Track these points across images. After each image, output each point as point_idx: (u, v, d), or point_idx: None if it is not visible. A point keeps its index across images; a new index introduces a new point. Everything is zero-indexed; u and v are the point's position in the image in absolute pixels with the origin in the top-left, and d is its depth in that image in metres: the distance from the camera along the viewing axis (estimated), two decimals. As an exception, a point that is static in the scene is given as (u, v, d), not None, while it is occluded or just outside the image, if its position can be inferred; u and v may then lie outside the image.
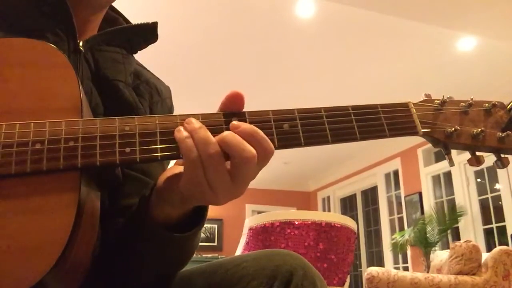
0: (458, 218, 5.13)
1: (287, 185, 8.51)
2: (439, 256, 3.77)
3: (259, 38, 3.77)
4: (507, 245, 4.20)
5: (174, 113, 0.57)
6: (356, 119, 0.56)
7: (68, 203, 0.46)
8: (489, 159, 0.60)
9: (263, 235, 2.47)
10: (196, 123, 0.49)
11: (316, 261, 2.40)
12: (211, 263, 0.65)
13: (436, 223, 5.20)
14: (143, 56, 0.82)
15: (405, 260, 6.06)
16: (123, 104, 0.68)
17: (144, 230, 0.55)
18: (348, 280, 2.65)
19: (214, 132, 0.49)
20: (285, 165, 7.15)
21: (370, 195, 7.23)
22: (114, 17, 0.79)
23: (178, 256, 0.61)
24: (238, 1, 3.31)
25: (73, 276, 0.50)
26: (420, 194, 5.82)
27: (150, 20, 0.76)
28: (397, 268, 5.99)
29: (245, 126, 0.49)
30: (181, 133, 0.48)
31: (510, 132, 0.59)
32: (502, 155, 0.60)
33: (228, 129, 0.50)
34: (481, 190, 5.14)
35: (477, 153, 0.60)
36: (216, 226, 8.03)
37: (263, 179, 7.72)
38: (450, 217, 5.18)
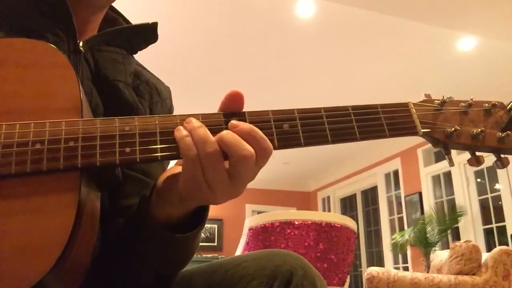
0: (458, 218, 5.13)
1: (287, 185, 8.51)
2: (439, 256, 3.77)
3: (259, 38, 3.77)
4: (507, 245, 4.20)
5: (174, 113, 0.57)
6: (356, 119, 0.56)
7: (68, 203, 0.46)
8: (489, 159, 0.60)
9: (263, 235, 2.47)
10: (195, 123, 0.49)
11: (316, 261, 2.40)
12: (211, 263, 0.65)
13: (436, 223, 5.20)
14: (143, 56, 0.82)
15: (405, 260, 6.06)
16: (123, 104, 0.68)
17: (144, 230, 0.55)
18: (348, 280, 2.65)
19: (214, 132, 0.49)
20: (285, 165, 7.15)
21: (370, 195, 7.23)
22: (114, 17, 0.79)
23: (178, 257, 0.61)
24: (238, 1, 3.31)
25: (73, 276, 0.50)
26: (420, 194, 5.82)
27: (150, 20, 0.76)
28: (397, 268, 5.99)
29: (243, 125, 0.49)
30: (181, 132, 0.49)
31: (510, 132, 0.59)
32: (502, 155, 0.60)
33: (227, 129, 0.50)
34: (481, 190, 5.14)
35: (477, 153, 0.60)
36: (216, 226, 8.03)
37: (263, 179, 7.73)
38: (450, 217, 5.18)
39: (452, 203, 5.38)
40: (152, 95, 0.77)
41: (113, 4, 0.76)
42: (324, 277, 0.93)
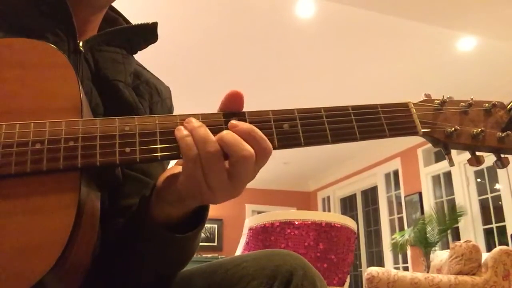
0: (458, 218, 5.14)
1: (287, 185, 8.51)
2: (439, 256, 3.77)
3: (259, 38, 3.77)
4: (507, 245, 4.20)
5: (174, 113, 0.57)
6: (356, 119, 0.56)
7: (68, 203, 0.46)
8: (489, 159, 0.60)
9: (263, 235, 2.47)
10: (195, 122, 0.49)
11: (316, 261, 2.40)
12: (211, 263, 0.65)
13: (436, 223, 5.20)
14: (143, 56, 0.82)
15: (405, 260, 6.06)
16: (123, 104, 0.68)
17: (144, 230, 0.55)
18: (348, 280, 2.65)
19: (214, 132, 0.49)
20: (285, 165, 7.15)
21: (370, 195, 7.23)
22: (114, 17, 0.79)
23: (178, 257, 0.61)
24: (238, 1, 3.31)
25: (73, 276, 0.50)
26: (420, 194, 5.82)
27: (150, 20, 0.76)
28: (397, 268, 5.99)
29: (243, 125, 0.49)
30: (181, 131, 0.49)
31: (510, 132, 0.59)
32: (502, 155, 0.60)
33: (227, 129, 0.50)
34: (481, 190, 5.14)
35: (477, 153, 0.60)
36: (216, 226, 8.03)
37: (263, 179, 7.73)
38: (450, 217, 5.18)
39: (452, 203, 5.38)
40: (152, 95, 0.77)
41: (113, 4, 0.76)
42: (324, 277, 0.93)
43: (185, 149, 0.48)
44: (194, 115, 0.51)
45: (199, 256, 6.87)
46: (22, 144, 0.48)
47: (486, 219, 5.04)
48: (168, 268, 0.62)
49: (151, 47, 0.81)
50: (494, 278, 3.02)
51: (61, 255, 0.44)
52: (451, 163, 0.60)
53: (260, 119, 0.53)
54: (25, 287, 0.43)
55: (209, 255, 7.05)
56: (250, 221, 2.59)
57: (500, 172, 4.77)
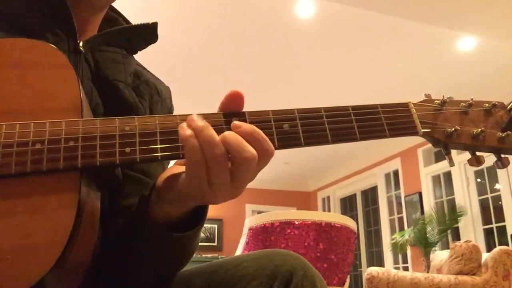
0: (458, 218, 5.14)
1: (287, 185, 8.51)
2: (439, 256, 3.77)
3: (259, 38, 3.77)
4: (507, 245, 4.21)
5: (174, 113, 0.57)
6: (356, 119, 0.56)
7: (68, 203, 0.46)
8: (489, 159, 0.60)
9: (263, 235, 2.47)
10: (200, 121, 0.48)
11: (316, 261, 2.40)
12: (211, 263, 0.65)
13: (436, 223, 5.20)
14: (143, 56, 0.82)
15: (405, 260, 6.06)
16: (123, 104, 0.68)
17: (143, 230, 0.55)
18: (348, 280, 2.65)
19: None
20: (285, 165, 7.15)
21: (370, 195, 7.23)
22: (114, 17, 0.79)
23: (178, 256, 0.61)
24: (238, 1, 3.31)
25: (73, 276, 0.50)
26: (420, 194, 5.82)
27: (150, 20, 0.76)
28: (397, 268, 5.99)
29: (246, 126, 0.49)
30: (185, 130, 0.47)
31: (510, 132, 0.59)
32: (502, 155, 0.60)
33: (228, 129, 0.50)
34: (481, 190, 5.15)
35: (477, 153, 0.60)
36: (216, 226, 8.03)
37: (263, 179, 7.73)
38: (450, 217, 5.18)
39: (452, 203, 5.38)
40: (152, 95, 0.77)
41: (113, 4, 0.76)
42: (324, 277, 0.93)
43: (189, 151, 0.47)
44: (195, 115, 0.51)
45: (199, 256, 6.87)
46: (22, 144, 0.48)
47: (486, 219, 5.04)
48: (168, 268, 0.62)
49: (151, 47, 0.81)
50: (494, 278, 3.02)
51: (61, 255, 0.44)
52: (451, 163, 0.60)
53: (260, 119, 0.53)
54: (25, 287, 0.43)
55: (209, 255, 7.05)
56: (250, 221, 2.59)
57: (500, 172, 4.77)
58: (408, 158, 6.09)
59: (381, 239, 6.61)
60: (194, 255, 0.64)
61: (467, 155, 0.61)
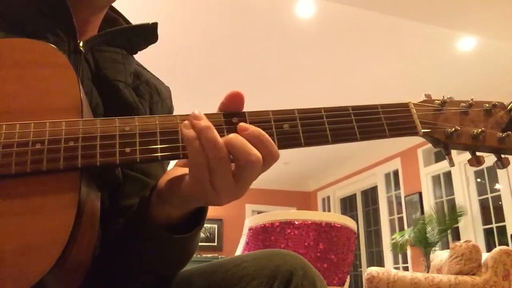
0: (458, 218, 5.14)
1: (287, 185, 8.51)
2: (439, 256, 3.77)
3: (259, 38, 3.77)
4: (507, 245, 4.21)
5: (174, 113, 0.57)
6: (356, 119, 0.56)
7: (68, 203, 0.46)
8: (489, 159, 0.60)
9: (263, 235, 2.47)
10: (203, 121, 0.47)
11: (316, 261, 2.40)
12: (211, 263, 0.65)
13: (436, 223, 5.20)
14: (143, 56, 0.82)
15: (405, 260, 6.06)
16: (123, 105, 0.68)
17: (144, 231, 0.55)
18: (348, 280, 2.65)
19: (216, 133, 0.49)
20: (285, 165, 7.15)
21: (370, 195, 7.23)
22: (114, 17, 0.79)
23: (178, 257, 0.61)
24: (238, 1, 3.31)
25: (73, 276, 0.50)
26: (420, 194, 5.82)
27: (150, 20, 0.76)
28: (397, 268, 5.99)
29: (254, 129, 0.49)
30: (188, 131, 0.47)
31: (510, 132, 0.59)
32: (502, 156, 0.60)
33: (229, 129, 0.50)
34: (481, 190, 5.15)
35: (477, 153, 0.60)
36: (216, 226, 8.03)
37: (263, 179, 7.69)
38: (450, 217, 5.18)
39: (452, 203, 5.38)
40: (152, 95, 0.77)
41: (113, 4, 0.76)
42: (324, 277, 0.93)
43: (192, 153, 0.47)
44: (197, 111, 0.51)
45: (199, 256, 6.87)
46: (22, 144, 0.48)
47: (486, 219, 5.04)
48: (168, 268, 0.62)
49: (151, 47, 0.81)
50: (494, 278, 3.02)
51: (61, 255, 0.44)
52: (451, 163, 0.60)
53: (260, 119, 0.53)
54: (25, 287, 0.43)
55: (209, 255, 7.05)
56: (250, 221, 2.59)
57: (500, 172, 4.77)
58: (408, 158, 6.09)
59: (381, 239, 6.61)
60: (194, 255, 0.64)
61: (467, 155, 0.61)
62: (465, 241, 3.25)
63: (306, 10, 3.44)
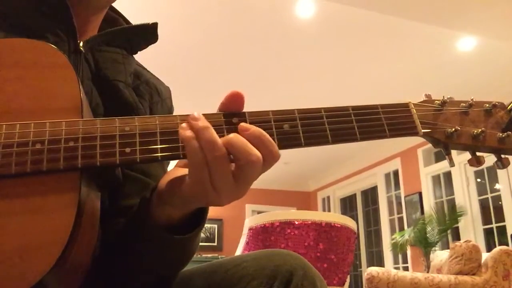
0: (458, 218, 5.14)
1: (287, 185, 8.51)
2: (439, 256, 3.77)
3: (259, 38, 3.77)
4: (507, 245, 4.21)
5: (174, 113, 0.57)
6: (356, 119, 0.56)
7: (68, 203, 0.46)
8: (489, 159, 0.60)
9: (263, 235, 2.47)
10: (201, 122, 0.48)
11: (316, 261, 2.40)
12: (211, 263, 0.65)
13: (436, 223, 5.20)
14: (143, 56, 0.82)
15: (405, 260, 6.06)
16: (123, 105, 0.68)
17: (144, 232, 0.55)
18: (348, 280, 2.65)
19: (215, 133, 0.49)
20: (285, 165, 7.15)
21: (370, 195, 7.23)
22: (114, 17, 0.79)
23: (178, 257, 0.61)
24: (238, 1, 3.31)
25: (73, 276, 0.50)
26: (420, 194, 5.82)
27: (150, 20, 0.76)
28: (397, 268, 5.99)
29: (255, 129, 0.49)
30: (185, 131, 0.47)
31: (510, 132, 0.59)
32: (503, 156, 0.60)
33: (228, 129, 0.50)
34: (481, 190, 5.15)
35: (478, 154, 0.60)
36: (216, 226, 8.03)
37: (263, 179, 7.69)
38: (450, 217, 5.18)
39: (452, 203, 5.38)
40: (152, 95, 0.77)
41: (113, 4, 0.76)
42: (324, 277, 0.93)
43: (191, 153, 0.47)
44: (196, 113, 0.51)
45: (199, 256, 6.87)
46: (22, 144, 0.48)
47: (486, 219, 5.04)
48: (168, 269, 0.62)
49: (151, 47, 0.81)
50: (494, 278, 3.02)
51: (61, 255, 0.44)
52: (451, 163, 0.60)
53: (260, 119, 0.53)
54: (25, 287, 0.43)
55: (209, 255, 7.05)
56: (250, 221, 2.59)
57: (500, 172, 4.77)
58: (408, 158, 6.09)
59: (381, 239, 6.61)
60: (194, 255, 0.64)
61: (467, 155, 0.61)
62: (465, 241, 3.25)
63: (306, 10, 3.44)
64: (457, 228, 5.26)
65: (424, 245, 5.11)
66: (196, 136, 0.47)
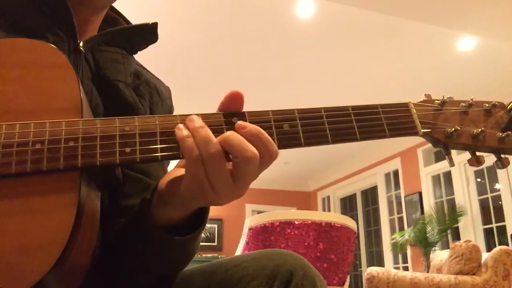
0: (458, 218, 5.14)
1: (287, 185, 8.51)
2: (439, 256, 3.77)
3: (259, 38, 3.77)
4: (507, 245, 4.21)
5: (174, 113, 0.57)
6: (356, 119, 0.56)
7: (68, 203, 0.46)
8: (489, 159, 0.60)
9: (263, 235, 2.47)
10: (197, 122, 0.49)
11: (316, 261, 2.40)
12: (211, 263, 0.65)
13: (436, 223, 5.20)
14: (143, 56, 0.82)
15: (405, 260, 6.06)
16: (123, 104, 0.68)
17: (145, 233, 0.55)
18: (348, 280, 2.65)
19: (215, 132, 0.49)
20: (285, 165, 7.15)
21: (370, 195, 7.23)
22: (114, 17, 0.79)
23: (179, 258, 0.61)
24: (238, 1, 3.31)
25: (73, 276, 0.50)
26: (420, 194, 5.82)
27: (150, 20, 0.76)
28: (397, 268, 5.99)
29: (252, 127, 0.49)
30: (181, 131, 0.48)
31: (510, 132, 0.59)
32: (502, 155, 0.60)
33: (228, 129, 0.50)
34: (481, 190, 5.15)
35: (477, 153, 0.60)
36: (216, 226, 8.03)
37: (263, 179, 7.71)
38: (450, 217, 5.18)
39: (452, 203, 5.38)
40: (152, 95, 0.77)
41: (113, 4, 0.76)
42: (324, 277, 0.93)
43: (186, 151, 0.47)
44: (194, 115, 0.51)
45: (199, 256, 6.86)
46: (22, 144, 0.48)
47: (486, 219, 5.04)
48: (169, 269, 0.62)
49: (151, 47, 0.81)
50: (494, 278, 3.02)
51: (61, 255, 0.44)
52: (451, 163, 0.60)
53: (260, 119, 0.53)
54: (25, 287, 0.43)
55: (209, 255, 7.05)
56: (250, 221, 2.59)
57: (500, 172, 4.77)
58: (408, 158, 6.09)
59: (381, 239, 6.61)
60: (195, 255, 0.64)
61: (467, 155, 0.61)
62: (465, 241, 3.25)
63: (306, 10, 3.44)
64: (457, 228, 5.26)
65: (424, 245, 5.11)
66: (192, 134, 0.48)
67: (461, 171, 5.23)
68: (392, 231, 6.33)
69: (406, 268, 5.89)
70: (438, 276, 3.11)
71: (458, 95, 0.64)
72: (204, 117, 0.51)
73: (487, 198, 5.06)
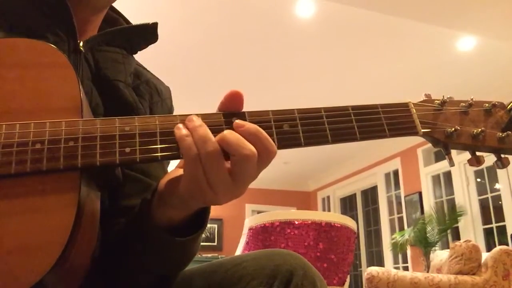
0: (458, 218, 5.14)
1: (287, 185, 8.51)
2: (439, 256, 3.77)
3: (259, 38, 3.77)
4: (507, 245, 4.20)
5: (174, 113, 0.57)
6: (356, 119, 0.56)
7: (68, 203, 0.46)
8: (489, 159, 0.60)
9: (263, 235, 2.47)
10: (196, 121, 0.49)
11: (316, 261, 2.40)
12: (211, 263, 0.65)
13: (436, 223, 5.20)
14: (143, 56, 0.82)
15: (405, 260, 6.06)
16: (123, 104, 0.68)
17: (145, 233, 0.55)
18: (348, 280, 2.65)
19: (214, 132, 0.49)
20: (285, 165, 7.15)
21: (370, 195, 7.23)
22: (114, 17, 0.79)
23: (179, 258, 0.61)
24: (238, 1, 3.31)
25: (73, 276, 0.50)
26: (420, 194, 5.82)
27: (150, 20, 0.76)
28: (397, 268, 5.99)
29: (250, 125, 0.49)
30: (181, 130, 0.49)
31: (510, 132, 0.59)
32: (502, 155, 0.60)
33: (228, 129, 0.50)
34: (481, 190, 5.15)
35: (477, 153, 0.60)
36: (216, 226, 8.03)
37: (263, 179, 7.72)
38: (450, 217, 5.18)
39: (452, 203, 5.38)
40: (152, 95, 0.77)
41: (113, 4, 0.76)
42: (324, 277, 0.93)
43: (185, 149, 0.48)
44: (194, 115, 0.51)
45: (199, 256, 6.86)
46: (22, 144, 0.48)
47: (486, 219, 5.05)
48: (169, 269, 0.62)
49: (151, 47, 0.81)
50: (494, 278, 3.02)
51: (61, 255, 0.44)
52: (451, 163, 0.60)
53: (260, 119, 0.53)
54: (25, 287, 0.43)
55: (209, 255, 7.05)
56: (250, 221, 2.59)
57: (500, 172, 4.77)
58: (408, 158, 6.09)
59: (381, 239, 6.61)
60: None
61: (467, 155, 0.61)
62: (465, 241, 3.25)
63: (306, 10, 3.44)
64: (457, 228, 5.26)
65: (424, 245, 5.11)
66: (190, 133, 0.48)
67: (461, 171, 5.23)
68: (392, 231, 6.33)
69: (406, 268, 5.89)
70: (438, 276, 3.11)
71: (458, 95, 0.64)
72: (204, 117, 0.51)
73: (487, 198, 5.06)
